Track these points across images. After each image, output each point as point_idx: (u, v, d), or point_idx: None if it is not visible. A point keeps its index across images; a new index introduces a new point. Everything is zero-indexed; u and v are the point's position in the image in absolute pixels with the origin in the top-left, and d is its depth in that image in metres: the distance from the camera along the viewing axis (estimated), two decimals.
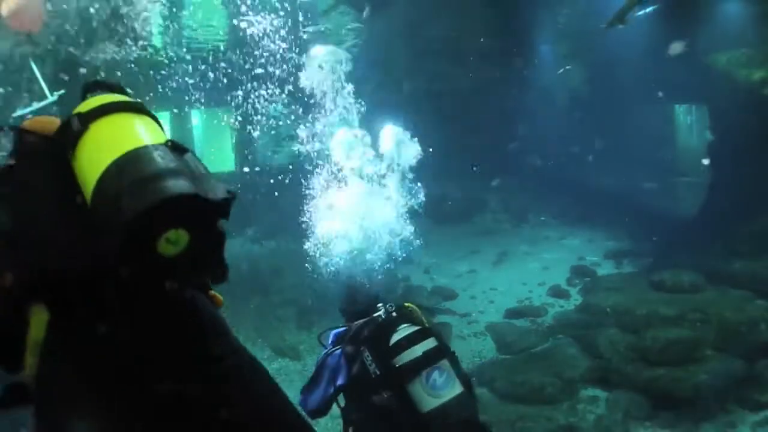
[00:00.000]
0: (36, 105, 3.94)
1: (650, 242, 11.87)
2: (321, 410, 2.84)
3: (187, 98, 14.71)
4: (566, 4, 13.38)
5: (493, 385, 7.72)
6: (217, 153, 17.80)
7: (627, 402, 7.10)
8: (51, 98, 3.92)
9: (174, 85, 13.84)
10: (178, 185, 1.24)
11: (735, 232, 9.70)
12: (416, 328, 2.82)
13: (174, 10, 11.35)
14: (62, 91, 3.96)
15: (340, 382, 2.77)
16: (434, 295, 11.29)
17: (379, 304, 2.96)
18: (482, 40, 14.62)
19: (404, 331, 2.77)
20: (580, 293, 10.67)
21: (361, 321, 2.91)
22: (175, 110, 16.20)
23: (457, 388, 2.65)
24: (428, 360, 2.65)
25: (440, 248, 14.08)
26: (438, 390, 2.58)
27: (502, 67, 15.49)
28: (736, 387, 7.08)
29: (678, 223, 11.87)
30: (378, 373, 2.67)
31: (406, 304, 2.99)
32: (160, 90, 14.11)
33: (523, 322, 9.81)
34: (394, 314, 2.89)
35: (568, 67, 14.58)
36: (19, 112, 3.98)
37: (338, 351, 2.85)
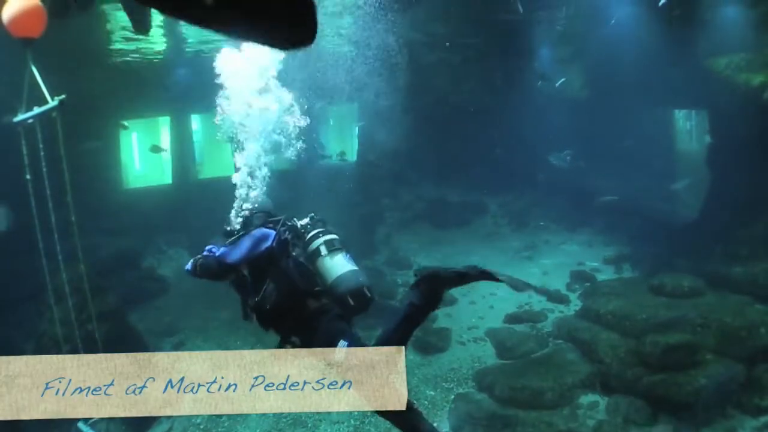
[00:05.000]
0: (37, 110, 3.94)
1: (650, 246, 11.87)
2: (234, 267, 3.60)
3: (186, 102, 14.77)
4: (565, 8, 13.41)
5: (493, 391, 7.71)
6: (217, 158, 17.83)
7: (627, 407, 7.09)
8: (52, 103, 3.92)
9: (173, 88, 13.88)
10: None
11: (734, 237, 9.70)
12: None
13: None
14: (63, 96, 3.95)
15: (264, 246, 3.60)
16: None
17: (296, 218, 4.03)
18: (480, 43, 14.67)
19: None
20: (580, 298, 10.66)
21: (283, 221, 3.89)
22: (175, 114, 16.22)
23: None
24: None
25: (440, 252, 14.09)
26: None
27: (502, 71, 15.56)
28: (736, 391, 7.07)
29: (677, 227, 11.87)
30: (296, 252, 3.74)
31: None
32: (160, 93, 14.15)
33: (522, 328, 9.80)
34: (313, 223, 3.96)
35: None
36: (20, 117, 3.98)
37: (268, 231, 3.68)
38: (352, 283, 3.49)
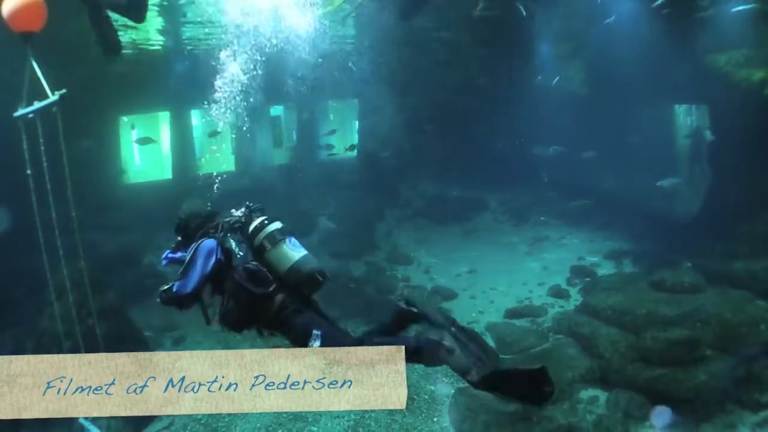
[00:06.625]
0: (38, 104, 3.93)
1: (650, 243, 11.86)
2: (194, 296, 3.60)
3: (186, 98, 14.72)
4: (565, 5, 13.35)
5: None
6: (217, 154, 17.82)
7: (627, 402, 7.11)
8: (53, 97, 3.90)
9: (173, 83, 13.83)
10: None
11: (735, 233, 9.70)
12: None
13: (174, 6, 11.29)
14: (63, 90, 3.94)
15: (211, 262, 3.57)
16: (434, 294, 11.28)
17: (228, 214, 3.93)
18: (480, 41, 14.63)
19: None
20: (580, 293, 10.66)
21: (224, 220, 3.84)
22: (174, 110, 16.17)
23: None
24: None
25: (440, 248, 14.09)
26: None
27: (502, 68, 15.51)
28: (735, 387, 7.08)
29: (677, 224, 11.86)
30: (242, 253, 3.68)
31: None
32: (159, 89, 14.09)
33: (523, 322, 9.81)
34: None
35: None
36: (20, 112, 3.96)
37: (210, 244, 3.63)
38: (303, 273, 3.56)
